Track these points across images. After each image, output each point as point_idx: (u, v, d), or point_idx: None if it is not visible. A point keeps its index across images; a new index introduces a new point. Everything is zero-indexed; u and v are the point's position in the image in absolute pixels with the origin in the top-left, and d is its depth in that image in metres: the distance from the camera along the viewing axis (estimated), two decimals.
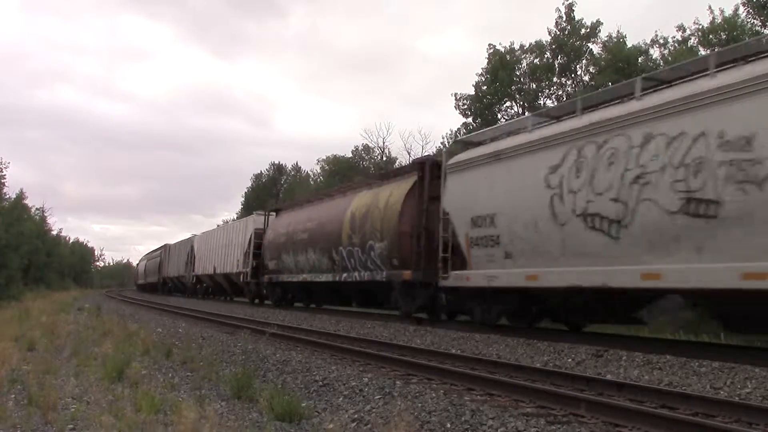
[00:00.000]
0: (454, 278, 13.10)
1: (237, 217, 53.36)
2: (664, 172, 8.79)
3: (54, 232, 59.79)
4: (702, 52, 23.08)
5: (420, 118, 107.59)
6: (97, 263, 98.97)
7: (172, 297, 40.35)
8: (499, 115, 31.14)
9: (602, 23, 29.24)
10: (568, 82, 30.28)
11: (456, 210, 13.18)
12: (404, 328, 13.22)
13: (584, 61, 29.71)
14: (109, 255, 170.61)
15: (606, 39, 28.60)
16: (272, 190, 61.57)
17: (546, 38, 30.32)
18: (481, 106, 31.52)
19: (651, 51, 27.36)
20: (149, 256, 60.01)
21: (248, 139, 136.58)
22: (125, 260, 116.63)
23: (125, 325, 13.96)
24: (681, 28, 25.56)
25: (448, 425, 5.11)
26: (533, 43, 30.92)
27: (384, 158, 42.27)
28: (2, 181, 33.89)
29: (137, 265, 74.51)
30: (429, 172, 14.80)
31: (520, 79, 31.35)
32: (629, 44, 27.61)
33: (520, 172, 11.44)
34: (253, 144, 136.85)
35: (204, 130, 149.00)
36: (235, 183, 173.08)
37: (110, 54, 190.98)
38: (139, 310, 23.87)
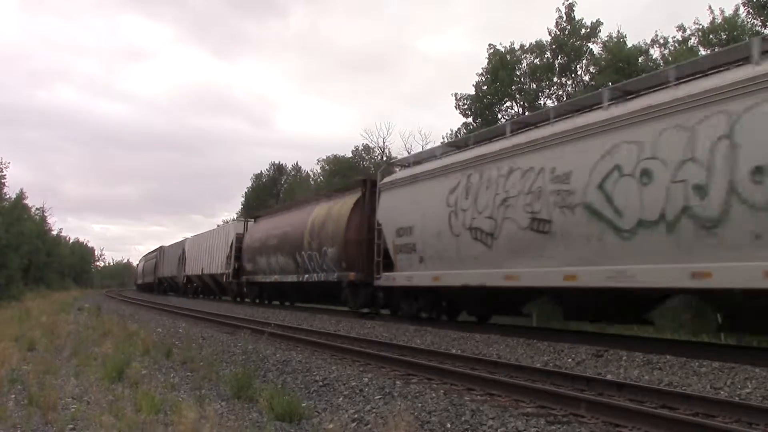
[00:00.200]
0: (385, 279, 15.73)
1: (237, 217, 54.04)
2: (519, 197, 11.46)
3: (54, 232, 59.84)
4: (702, 52, 23.09)
5: (420, 118, 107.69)
6: (97, 263, 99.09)
7: (167, 296, 41.85)
8: (500, 115, 31.16)
9: (602, 23, 29.31)
10: (569, 82, 30.31)
11: (386, 222, 15.82)
12: (404, 328, 13.23)
13: (584, 61, 29.73)
14: (109, 255, 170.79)
15: (606, 39, 28.63)
16: (272, 190, 61.58)
17: (546, 38, 30.37)
18: (481, 106, 31.53)
19: (651, 51, 27.39)
20: (147, 257, 61.65)
21: (248, 139, 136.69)
22: (125, 260, 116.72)
23: (125, 325, 13.96)
24: (681, 28, 25.62)
25: (448, 425, 5.11)
26: (533, 43, 30.97)
27: (384, 158, 42.25)
28: (2, 181, 33.90)
29: (137, 265, 74.78)
30: (369, 189, 17.35)
31: (520, 79, 31.36)
32: (629, 44, 27.63)
33: (430, 193, 14.17)
34: (253, 144, 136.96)
35: (204, 130, 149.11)
36: (235, 183, 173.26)
37: (110, 54, 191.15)
38: (139, 310, 23.87)
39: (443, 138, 34.56)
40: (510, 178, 11.75)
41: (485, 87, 31.40)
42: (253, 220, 29.08)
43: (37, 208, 50.62)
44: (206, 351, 9.87)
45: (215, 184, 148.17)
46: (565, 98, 27.92)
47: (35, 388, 6.17)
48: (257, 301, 26.96)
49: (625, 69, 25.29)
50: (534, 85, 31.18)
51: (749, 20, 22.85)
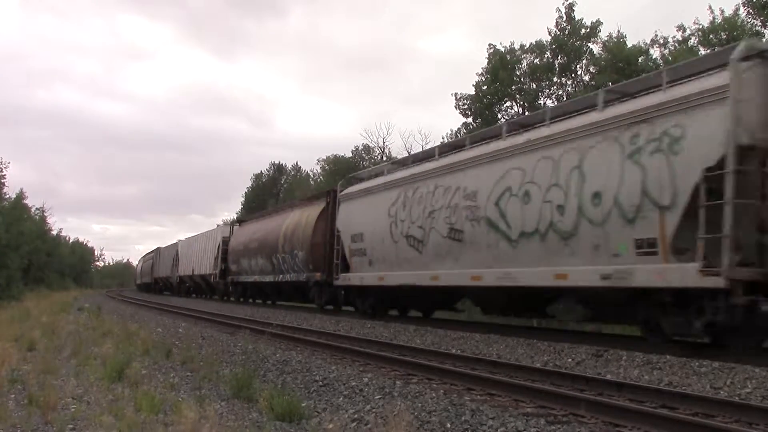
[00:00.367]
0: (342, 279, 18.01)
1: (237, 217, 54.53)
2: (441, 210, 13.62)
3: (54, 232, 59.69)
4: (702, 52, 23.08)
5: (420, 118, 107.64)
6: (97, 263, 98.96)
7: (163, 296, 43.54)
8: (500, 115, 31.15)
9: (602, 23, 29.27)
10: (569, 82, 30.29)
11: (343, 228, 18.12)
12: (404, 328, 13.24)
13: (584, 61, 29.71)
14: (109, 255, 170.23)
15: (606, 39, 28.60)
16: (272, 190, 61.60)
17: (546, 38, 30.33)
18: (481, 106, 31.51)
19: (651, 51, 27.38)
20: (145, 258, 63.38)
21: (248, 139, 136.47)
22: (125, 260, 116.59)
23: (125, 325, 13.96)
24: (681, 28, 25.60)
25: (448, 425, 5.11)
26: (533, 43, 30.91)
27: (384, 158, 42.25)
28: (2, 181, 33.85)
29: (137, 265, 74.99)
30: (332, 199, 19.50)
31: (520, 79, 31.34)
32: (629, 44, 27.61)
33: (376, 205, 16.42)
34: (253, 144, 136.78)
35: (204, 130, 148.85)
36: (235, 183, 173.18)
37: (110, 54, 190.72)
38: (139, 310, 23.87)
39: (443, 138, 34.60)
40: (435, 194, 14.01)
41: (485, 87, 31.37)
42: (238, 224, 31.40)
43: (37, 208, 50.48)
44: (206, 351, 9.87)
45: (215, 184, 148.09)
46: (565, 98, 27.91)
47: (35, 388, 6.17)
48: (241, 299, 29.02)
49: (625, 69, 25.27)
50: (534, 85, 31.16)
51: (749, 20, 22.86)
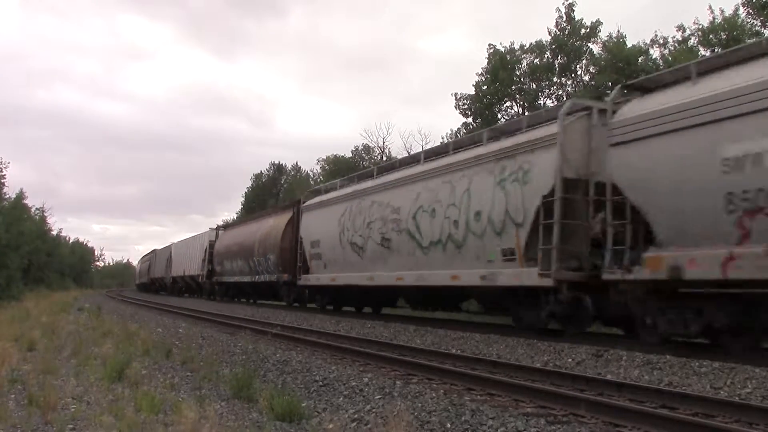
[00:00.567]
0: (304, 279, 20.72)
1: (237, 217, 55.21)
2: (376, 222, 16.25)
3: (54, 232, 59.62)
4: (702, 52, 23.07)
5: (420, 118, 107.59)
6: (97, 263, 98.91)
7: (159, 296, 45.17)
8: (500, 115, 31.13)
9: (602, 23, 29.23)
10: (568, 82, 30.26)
11: (305, 235, 20.83)
12: (404, 328, 13.25)
13: (584, 61, 29.68)
14: (109, 255, 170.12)
15: (606, 39, 28.58)
16: (272, 190, 61.54)
17: (546, 38, 30.29)
18: (481, 106, 31.48)
19: (651, 51, 27.35)
20: (143, 259, 65.53)
21: (248, 139, 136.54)
22: (125, 260, 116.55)
23: (125, 325, 13.96)
24: (681, 28, 25.58)
25: (448, 425, 5.11)
26: (533, 43, 30.87)
27: (384, 158, 42.22)
28: (2, 181, 33.81)
29: (137, 265, 75.20)
30: (297, 210, 22.26)
31: (520, 79, 31.30)
32: (629, 44, 27.58)
33: (330, 215, 19.08)
34: (253, 144, 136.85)
35: (204, 130, 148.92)
36: (235, 183, 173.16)
37: (110, 54, 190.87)
38: (140, 310, 23.87)
39: (443, 138, 34.60)
40: (372, 208, 16.64)
41: (485, 87, 31.33)
42: (223, 229, 34.31)
43: (37, 208, 50.43)
44: (206, 351, 9.87)
45: (215, 184, 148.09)
46: (565, 98, 27.90)
47: (35, 388, 6.17)
48: (225, 298, 31.80)
49: (625, 69, 25.25)
50: (534, 85, 31.12)
51: (749, 20, 22.84)
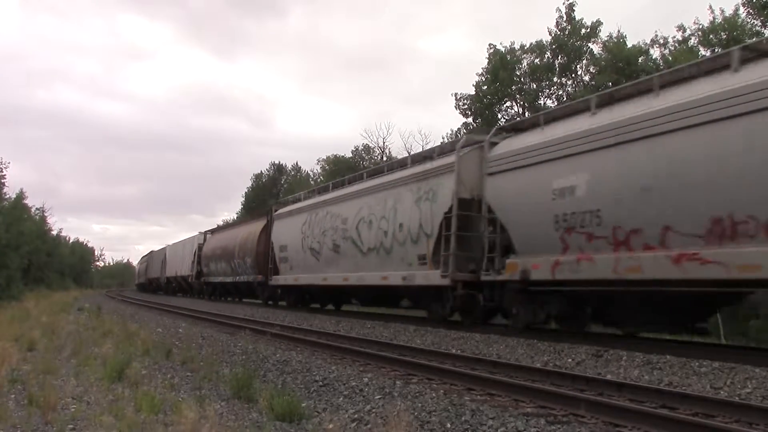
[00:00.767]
0: (274, 280, 23.51)
1: (237, 217, 55.74)
2: (329, 230, 18.87)
3: (54, 232, 59.61)
4: (702, 52, 23.08)
5: (420, 118, 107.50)
6: (97, 263, 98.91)
7: (156, 295, 46.58)
8: (500, 115, 31.12)
9: (602, 23, 29.25)
10: (569, 82, 30.28)
11: (275, 240, 23.64)
12: (404, 328, 13.24)
13: (584, 61, 29.69)
14: (109, 255, 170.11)
15: (606, 39, 28.58)
16: (272, 190, 61.49)
17: (546, 38, 30.32)
18: (481, 106, 31.50)
19: (651, 51, 27.36)
20: (142, 260, 67.08)
21: (248, 139, 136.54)
22: (125, 260, 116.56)
23: (125, 325, 13.96)
24: (681, 28, 25.58)
25: (448, 425, 5.11)
26: (533, 43, 30.91)
27: (384, 158, 42.20)
28: (2, 181, 33.79)
29: (137, 266, 75.40)
30: (270, 217, 25.05)
31: (520, 79, 31.32)
32: (629, 44, 27.59)
33: (294, 223, 21.77)
34: (253, 144, 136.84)
35: (204, 130, 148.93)
36: (235, 183, 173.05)
37: (110, 54, 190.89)
38: (140, 310, 23.87)
39: (443, 138, 34.61)
40: (326, 218, 19.18)
41: (485, 87, 31.36)
42: (210, 233, 37.03)
43: (37, 208, 50.43)
44: (206, 351, 9.86)
45: (215, 184, 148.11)
46: (565, 98, 27.91)
47: (35, 388, 6.17)
48: (212, 297, 34.03)
49: (625, 69, 25.26)
50: (534, 85, 31.14)
51: (749, 20, 22.84)
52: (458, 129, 32.90)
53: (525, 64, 31.28)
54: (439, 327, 13.19)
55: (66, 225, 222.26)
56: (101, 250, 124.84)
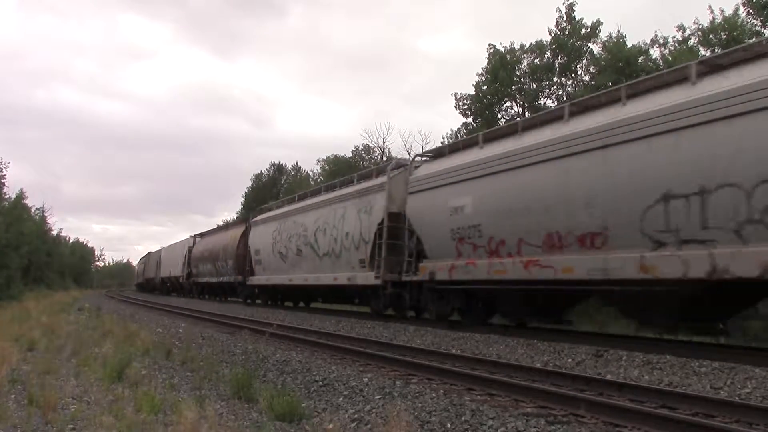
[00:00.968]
0: (251, 281, 26.39)
1: (236, 217, 56.09)
2: (293, 237, 21.60)
3: (54, 232, 59.66)
4: (702, 52, 23.05)
5: (420, 118, 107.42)
6: (97, 263, 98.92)
7: (153, 294, 47.77)
8: (500, 115, 31.10)
9: (602, 23, 29.19)
10: (569, 82, 30.22)
11: (252, 245, 26.52)
12: (404, 329, 13.24)
13: (584, 61, 29.64)
14: (109, 255, 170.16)
15: (606, 39, 28.54)
16: (272, 190, 61.40)
17: (546, 38, 30.26)
18: (481, 106, 31.45)
19: (651, 51, 27.31)
20: (141, 260, 68.89)
21: (248, 139, 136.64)
22: (125, 260, 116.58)
23: (125, 325, 13.96)
24: (681, 28, 25.54)
25: (448, 425, 5.11)
26: (533, 43, 30.83)
27: (384, 158, 42.18)
28: (2, 181, 33.81)
29: (136, 266, 75.55)
30: (249, 224, 28.11)
31: (520, 79, 31.26)
32: (629, 44, 27.55)
33: (267, 230, 24.64)
34: (253, 144, 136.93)
35: (204, 130, 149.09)
36: (235, 183, 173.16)
37: (110, 53, 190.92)
38: (139, 310, 23.87)
39: (443, 138, 34.60)
40: (292, 226, 21.89)
41: (485, 87, 31.29)
42: (199, 237, 39.37)
43: (37, 208, 50.52)
44: (206, 351, 9.86)
45: (215, 184, 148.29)
46: (565, 98, 27.88)
47: (35, 388, 6.16)
48: (201, 296, 36.35)
49: (625, 69, 25.22)
50: (534, 85, 31.08)
51: (749, 20, 22.81)
52: (458, 129, 32.87)
53: (525, 64, 31.21)
54: (438, 327, 13.20)
55: (66, 225, 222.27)
56: (101, 250, 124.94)
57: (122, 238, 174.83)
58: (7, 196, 35.65)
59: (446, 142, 26.63)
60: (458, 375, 7.40)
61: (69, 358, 8.93)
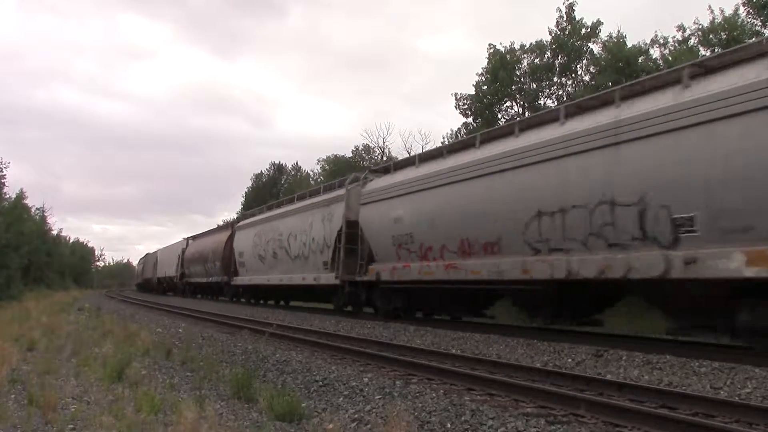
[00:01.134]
0: (235, 281, 28.92)
1: (236, 217, 56.17)
2: (270, 241, 24.01)
3: (54, 232, 59.68)
4: (702, 52, 23.04)
5: (420, 118, 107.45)
6: (98, 263, 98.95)
7: (152, 294, 48.71)
8: (500, 115, 31.10)
9: (602, 23, 29.19)
10: (569, 82, 30.22)
11: (236, 248, 28.82)
12: (404, 329, 13.24)
13: (585, 61, 29.63)
14: (109, 255, 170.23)
15: (606, 39, 28.52)
16: (272, 190, 61.40)
17: (546, 38, 30.26)
18: (481, 106, 31.45)
19: (651, 51, 27.30)
20: (140, 261, 70.40)
21: (248, 139, 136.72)
22: (125, 260, 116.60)
23: (125, 325, 13.95)
24: (681, 28, 25.53)
25: (448, 425, 5.11)
26: (533, 42, 30.83)
27: (384, 158, 42.17)
28: (2, 181, 33.82)
29: (136, 266, 75.65)
30: (234, 228, 30.55)
31: (520, 79, 31.26)
32: (629, 44, 27.54)
33: (249, 234, 26.98)
34: (253, 144, 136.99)
35: (204, 130, 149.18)
36: (235, 183, 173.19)
37: (110, 53, 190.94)
38: (140, 310, 23.86)
39: (443, 138, 34.62)
40: (270, 231, 24.28)
41: (485, 87, 31.29)
42: (192, 239, 41.49)
43: (37, 208, 50.55)
44: (206, 351, 9.86)
45: (215, 184, 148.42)
46: (565, 98, 27.87)
47: (35, 388, 6.16)
48: (193, 295, 38.46)
49: (625, 69, 25.20)
50: (534, 85, 31.08)
51: (749, 20, 22.80)
52: (458, 129, 32.90)
53: (525, 64, 31.21)
54: (438, 327, 13.21)
55: (66, 225, 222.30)
56: (101, 250, 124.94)
57: (122, 238, 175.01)
58: (7, 196, 35.69)
59: (446, 143, 26.99)
60: (458, 375, 7.40)
61: (69, 358, 8.93)
